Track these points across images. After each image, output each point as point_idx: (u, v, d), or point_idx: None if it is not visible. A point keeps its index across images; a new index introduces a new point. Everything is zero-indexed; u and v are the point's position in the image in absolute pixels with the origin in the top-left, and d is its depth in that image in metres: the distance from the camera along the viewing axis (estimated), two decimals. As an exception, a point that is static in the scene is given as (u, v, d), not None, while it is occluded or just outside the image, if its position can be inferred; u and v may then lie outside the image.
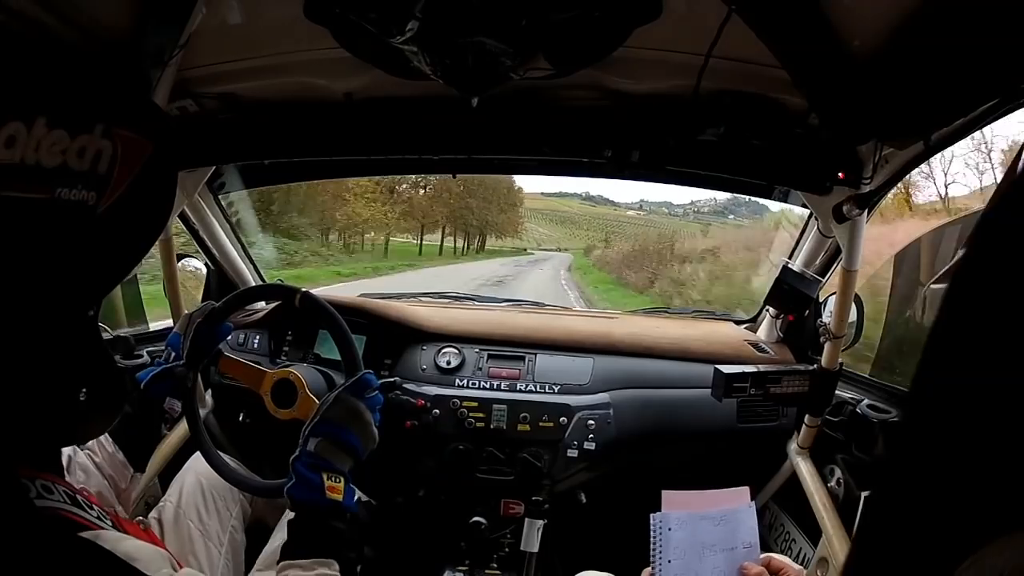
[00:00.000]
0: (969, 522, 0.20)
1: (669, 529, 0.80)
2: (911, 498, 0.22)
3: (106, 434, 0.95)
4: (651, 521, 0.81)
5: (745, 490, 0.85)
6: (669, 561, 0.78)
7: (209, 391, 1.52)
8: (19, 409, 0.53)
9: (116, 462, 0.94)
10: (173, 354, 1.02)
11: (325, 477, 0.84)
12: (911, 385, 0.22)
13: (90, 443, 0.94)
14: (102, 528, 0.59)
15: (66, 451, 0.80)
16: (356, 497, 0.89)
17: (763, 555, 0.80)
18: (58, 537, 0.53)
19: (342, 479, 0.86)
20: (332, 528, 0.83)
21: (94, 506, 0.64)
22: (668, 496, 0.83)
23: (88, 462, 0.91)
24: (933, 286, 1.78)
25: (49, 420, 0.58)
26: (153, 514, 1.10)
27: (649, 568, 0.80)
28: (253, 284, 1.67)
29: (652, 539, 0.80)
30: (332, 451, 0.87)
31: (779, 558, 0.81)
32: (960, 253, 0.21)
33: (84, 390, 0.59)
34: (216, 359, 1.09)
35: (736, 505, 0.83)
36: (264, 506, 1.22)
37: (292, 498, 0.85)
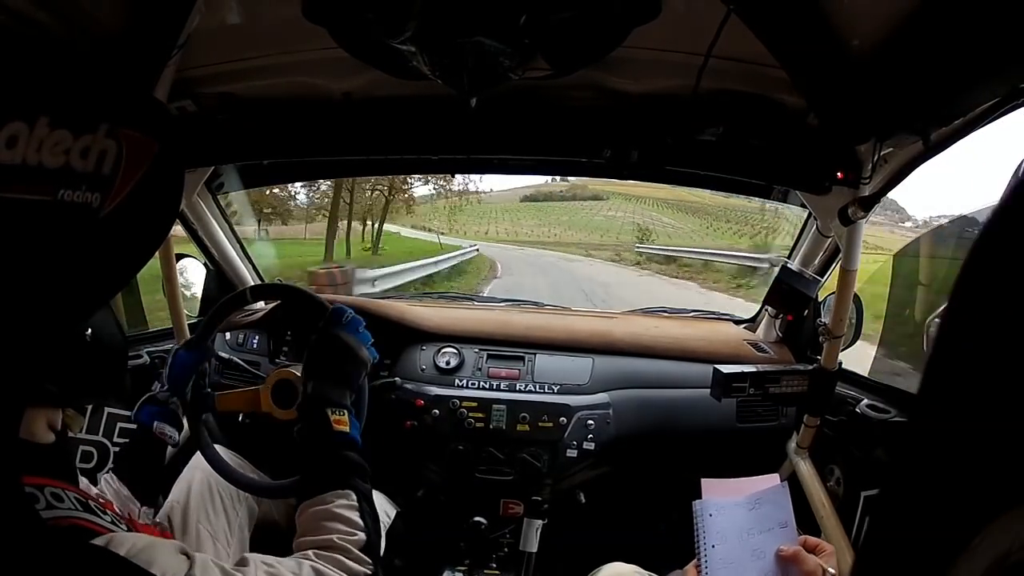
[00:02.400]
0: (976, 499, 0.20)
1: (710, 515, 0.83)
2: (921, 479, 0.23)
3: (112, 472, 0.99)
4: (693, 508, 0.84)
5: (775, 476, 0.89)
6: (713, 546, 0.81)
7: (208, 391, 1.52)
8: (30, 345, 0.53)
9: (123, 498, 0.96)
10: (158, 385, 1.08)
11: (329, 412, 0.87)
12: (921, 377, 0.22)
13: (99, 484, 0.97)
14: (116, 533, 0.59)
15: (83, 484, 0.82)
16: (361, 429, 0.93)
17: (800, 538, 0.83)
18: (69, 548, 0.53)
19: (345, 412, 0.89)
20: (343, 458, 0.85)
21: (108, 512, 0.63)
22: (707, 484, 0.87)
23: (105, 490, 0.93)
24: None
25: (61, 356, 0.64)
26: (162, 515, 1.11)
27: (695, 561, 0.83)
28: (252, 284, 1.67)
29: (695, 526, 0.83)
30: (329, 387, 0.91)
31: (813, 539, 0.84)
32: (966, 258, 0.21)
33: (89, 331, 0.66)
34: (211, 402, 1.12)
35: (768, 487, 0.86)
36: (271, 505, 1.23)
37: (302, 439, 0.88)
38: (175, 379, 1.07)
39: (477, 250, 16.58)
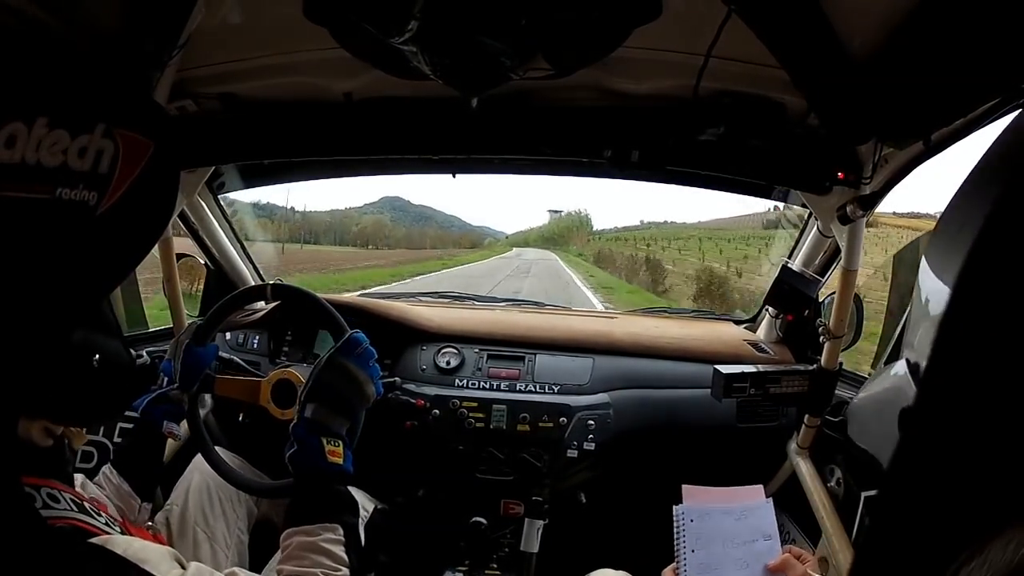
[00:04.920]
0: (976, 514, 0.20)
1: (691, 520, 0.83)
2: (918, 492, 0.22)
3: (110, 466, 0.97)
4: (674, 512, 0.83)
5: (760, 488, 0.88)
6: (692, 551, 0.81)
7: (209, 372, 1.52)
8: (36, 372, 0.53)
9: (123, 493, 0.95)
10: (166, 379, 1.05)
11: (325, 442, 0.85)
12: (922, 380, 0.22)
13: (97, 476, 0.96)
14: (111, 534, 0.59)
15: (77, 479, 0.81)
16: (353, 462, 0.91)
17: (784, 548, 0.83)
18: (68, 546, 0.53)
19: (341, 443, 0.87)
20: (334, 492, 0.84)
21: (102, 514, 0.64)
22: (688, 490, 0.86)
23: (99, 493, 0.92)
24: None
25: (69, 384, 0.63)
26: (159, 517, 1.10)
27: (673, 565, 0.82)
28: (252, 284, 1.67)
29: (675, 530, 0.82)
30: (329, 415, 0.88)
31: (796, 548, 0.84)
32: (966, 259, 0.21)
33: (96, 357, 0.65)
34: (210, 384, 1.11)
35: (755, 500, 0.86)
36: (269, 507, 1.22)
37: (293, 464, 0.86)
38: (187, 375, 1.05)
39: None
